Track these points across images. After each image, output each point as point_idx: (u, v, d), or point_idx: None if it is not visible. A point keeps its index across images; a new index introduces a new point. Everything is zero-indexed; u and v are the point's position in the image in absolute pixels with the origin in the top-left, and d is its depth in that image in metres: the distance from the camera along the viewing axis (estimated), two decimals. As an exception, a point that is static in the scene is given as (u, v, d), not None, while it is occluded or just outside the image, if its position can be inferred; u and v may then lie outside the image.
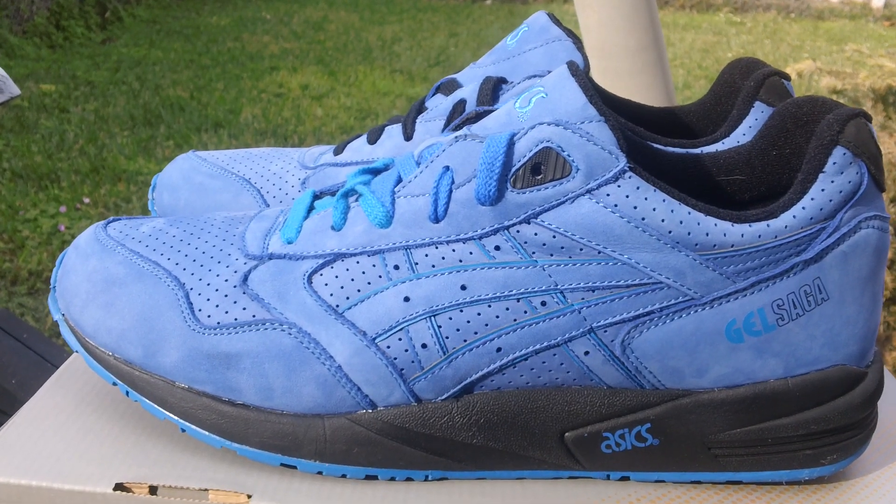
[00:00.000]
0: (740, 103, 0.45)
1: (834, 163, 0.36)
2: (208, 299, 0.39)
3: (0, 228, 2.05)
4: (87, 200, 2.24)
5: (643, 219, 0.35)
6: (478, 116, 0.47)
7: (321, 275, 0.38)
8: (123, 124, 2.95)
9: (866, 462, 0.41)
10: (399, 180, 0.39)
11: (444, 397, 0.38)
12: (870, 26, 5.53)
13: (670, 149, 0.44)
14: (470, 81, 0.52)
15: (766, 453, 0.38)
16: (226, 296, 0.39)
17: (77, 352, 0.41)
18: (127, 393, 0.39)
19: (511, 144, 0.36)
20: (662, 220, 0.35)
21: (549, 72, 0.49)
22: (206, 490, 0.37)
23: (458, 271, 0.37)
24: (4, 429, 0.41)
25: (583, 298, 0.36)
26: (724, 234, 0.35)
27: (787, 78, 0.46)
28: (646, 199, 0.35)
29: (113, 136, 2.82)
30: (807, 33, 5.22)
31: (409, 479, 0.39)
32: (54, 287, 0.42)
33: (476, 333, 0.37)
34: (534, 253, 0.36)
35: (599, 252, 0.36)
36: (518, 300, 0.37)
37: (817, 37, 5.06)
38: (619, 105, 0.49)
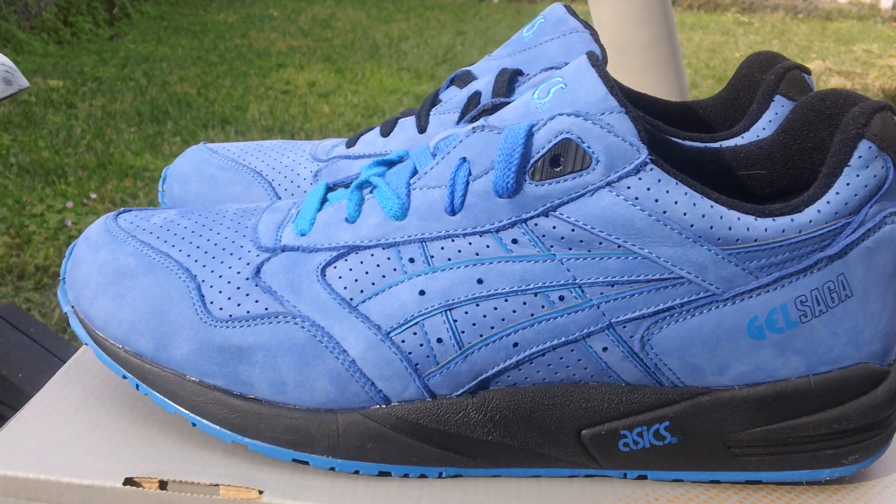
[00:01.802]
0: (760, 97, 0.44)
1: (859, 156, 0.35)
2: (220, 292, 0.38)
3: (7, 223, 2.05)
4: (93, 196, 2.24)
5: (665, 212, 0.34)
6: (494, 108, 0.46)
7: (335, 267, 0.38)
8: (130, 120, 2.95)
9: (888, 462, 0.40)
10: (414, 172, 0.38)
11: (459, 393, 0.37)
12: (878, 27, 5.51)
13: (689, 142, 0.43)
14: (485, 74, 0.52)
15: (786, 453, 0.38)
16: (238, 288, 0.38)
17: (86, 344, 0.40)
18: (137, 386, 0.39)
19: (530, 135, 0.35)
20: (684, 214, 0.34)
21: (566, 64, 0.49)
22: (216, 485, 0.37)
23: (475, 265, 0.36)
24: (13, 422, 0.40)
25: (602, 293, 0.36)
26: (748, 229, 0.35)
27: (808, 72, 0.45)
28: (667, 191, 0.34)
29: (120, 132, 2.81)
30: (815, 34, 5.20)
31: (422, 476, 0.38)
32: (64, 278, 0.41)
33: (492, 328, 0.36)
34: (552, 246, 0.36)
35: (619, 246, 0.35)
36: (535, 294, 0.36)
37: (825, 37, 5.05)
38: (636, 99, 0.48)
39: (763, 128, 0.44)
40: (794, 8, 6.01)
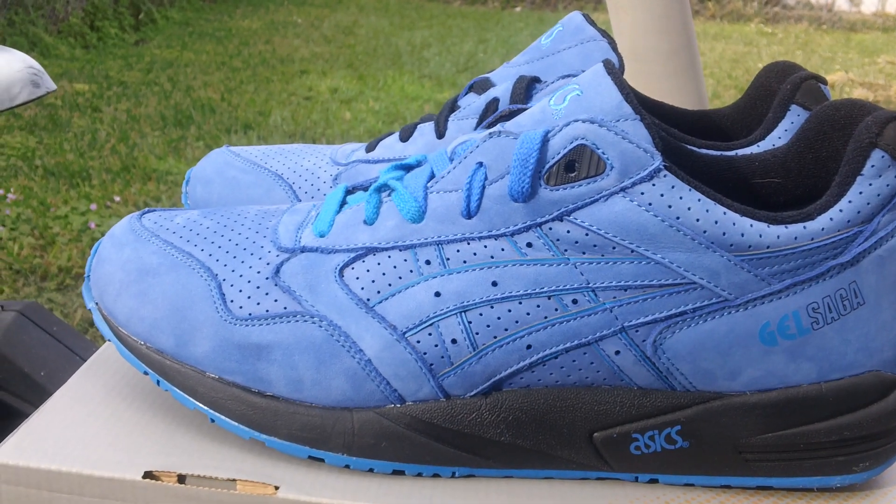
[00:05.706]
0: (776, 106, 0.45)
1: (872, 165, 0.35)
2: (240, 290, 0.39)
3: (31, 225, 2.08)
4: (117, 199, 2.27)
5: (678, 218, 0.35)
6: (511, 114, 0.47)
7: (353, 268, 0.39)
8: (154, 124, 2.98)
9: (899, 471, 0.40)
10: (432, 176, 0.39)
11: (472, 394, 0.38)
12: (903, 39, 5.47)
13: (704, 150, 0.43)
14: (503, 81, 0.52)
15: (797, 459, 0.38)
16: (258, 287, 0.39)
17: (109, 340, 0.41)
18: (158, 382, 0.40)
19: (545, 141, 0.36)
20: (697, 220, 0.35)
21: (583, 71, 0.49)
22: (233, 480, 0.37)
23: (490, 267, 0.37)
24: (35, 415, 0.41)
25: (615, 297, 0.36)
26: (760, 236, 0.35)
27: (824, 82, 0.46)
28: (681, 198, 0.35)
29: (144, 135, 2.85)
30: (839, 45, 5.17)
31: (436, 476, 0.39)
32: (88, 276, 0.42)
33: (506, 330, 0.37)
34: (566, 251, 0.36)
35: (633, 251, 0.35)
36: (549, 298, 0.36)
37: (849, 48, 5.02)
38: (653, 107, 0.49)
39: (779, 137, 0.44)
40: (817, 19, 5.98)
